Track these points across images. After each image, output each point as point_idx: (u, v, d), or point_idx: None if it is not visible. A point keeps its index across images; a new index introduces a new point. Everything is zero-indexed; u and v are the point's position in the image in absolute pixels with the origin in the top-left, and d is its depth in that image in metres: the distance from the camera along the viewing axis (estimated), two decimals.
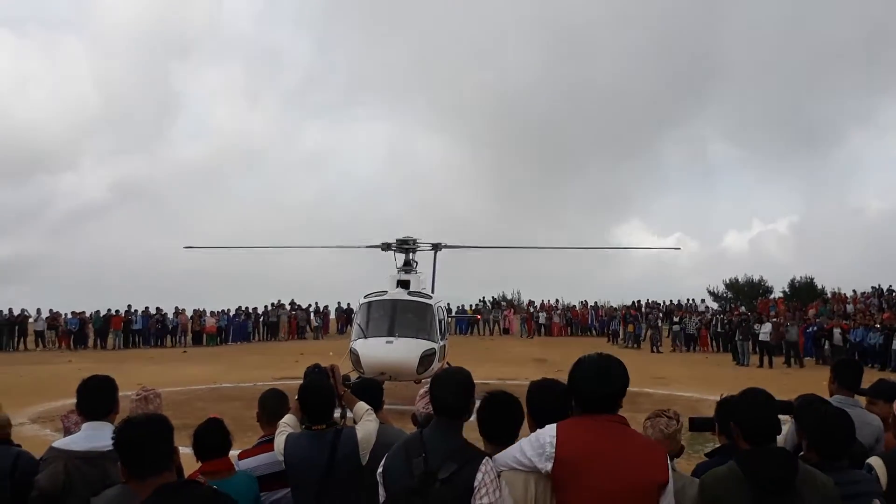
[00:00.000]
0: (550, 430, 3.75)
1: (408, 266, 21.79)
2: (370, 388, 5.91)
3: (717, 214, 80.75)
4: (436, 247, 22.64)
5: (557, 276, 51.90)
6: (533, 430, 3.99)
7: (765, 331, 31.59)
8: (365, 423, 5.24)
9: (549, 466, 3.68)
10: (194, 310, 42.50)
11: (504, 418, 4.08)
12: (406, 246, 21.87)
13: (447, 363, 21.23)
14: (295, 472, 5.05)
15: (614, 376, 3.85)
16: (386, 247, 22.03)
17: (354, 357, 18.78)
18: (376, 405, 5.59)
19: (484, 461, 3.78)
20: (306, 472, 5.00)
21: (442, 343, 20.03)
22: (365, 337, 19.04)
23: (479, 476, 3.72)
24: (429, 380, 5.52)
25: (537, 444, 3.73)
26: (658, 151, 73.57)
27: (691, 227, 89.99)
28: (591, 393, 3.82)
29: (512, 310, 49.65)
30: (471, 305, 48.19)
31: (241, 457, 5.40)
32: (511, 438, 4.03)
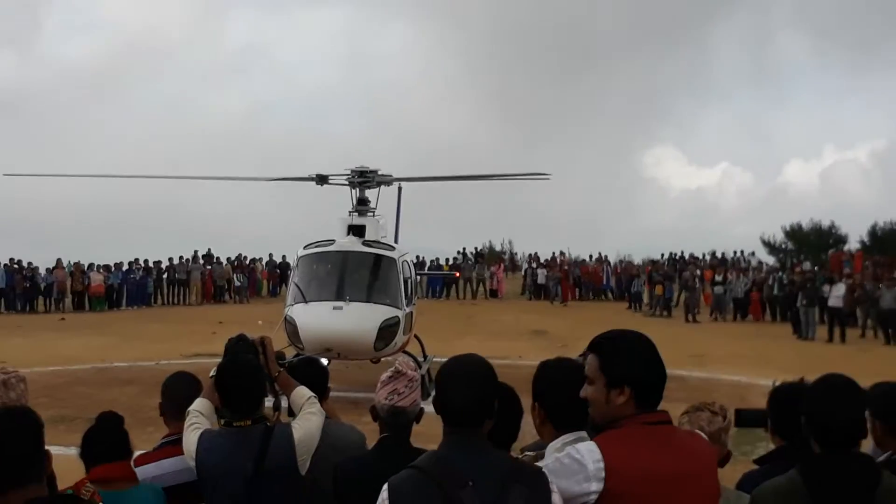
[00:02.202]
0: (591, 450, 3.71)
1: (363, 206, 21.71)
2: (312, 370, 5.89)
3: (778, 137, 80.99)
4: (389, 180, 22.47)
5: (562, 222, 52.03)
6: (545, 430, 4.01)
7: (836, 294, 31.88)
8: (305, 418, 5.22)
9: (592, 501, 3.69)
10: (75, 263, 42.30)
11: (501, 417, 4.08)
12: (361, 180, 21.75)
13: (416, 336, 21.35)
14: (210, 482, 5.03)
15: (659, 357, 3.90)
16: (321, 180, 21.87)
17: (291, 327, 18.77)
18: (320, 392, 5.59)
19: (549, 479, 3.74)
20: (225, 482, 4.99)
21: (408, 309, 20.06)
22: (305, 301, 18.99)
23: (554, 499, 3.70)
24: (394, 361, 5.52)
25: (578, 472, 3.69)
26: (702, 49, 73.34)
27: (742, 154, 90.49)
28: (644, 378, 3.85)
29: (501, 265, 49.94)
30: (447, 260, 48.32)
31: (138, 462, 5.34)
32: (509, 441, 4.05)
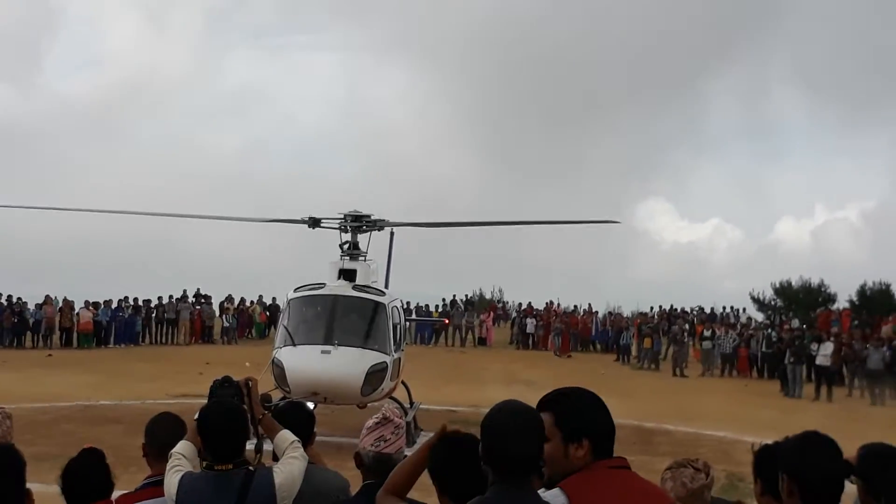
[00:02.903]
0: (556, 495, 3.76)
1: (355, 251, 21.75)
2: (298, 414, 5.88)
3: (770, 194, 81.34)
4: (382, 224, 22.48)
5: (553, 271, 52.12)
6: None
7: (824, 352, 31.94)
8: (288, 462, 5.21)
9: None
10: (64, 299, 42.19)
11: (473, 467, 4.08)
12: (354, 224, 21.81)
13: (403, 382, 21.31)
14: None
15: (606, 407, 4.00)
16: (313, 223, 21.93)
17: (278, 370, 18.73)
18: (305, 437, 5.58)
19: None
20: None
21: (396, 355, 20.04)
22: (293, 344, 18.97)
23: None
24: (382, 406, 5.52)
25: None
26: (695, 107, 73.88)
27: (733, 212, 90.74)
28: (600, 429, 3.91)
29: (491, 313, 49.91)
30: (437, 306, 48.33)
31: (119, 502, 5.36)
32: (479, 492, 4.04)
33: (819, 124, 75.69)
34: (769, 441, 4.92)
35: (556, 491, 3.76)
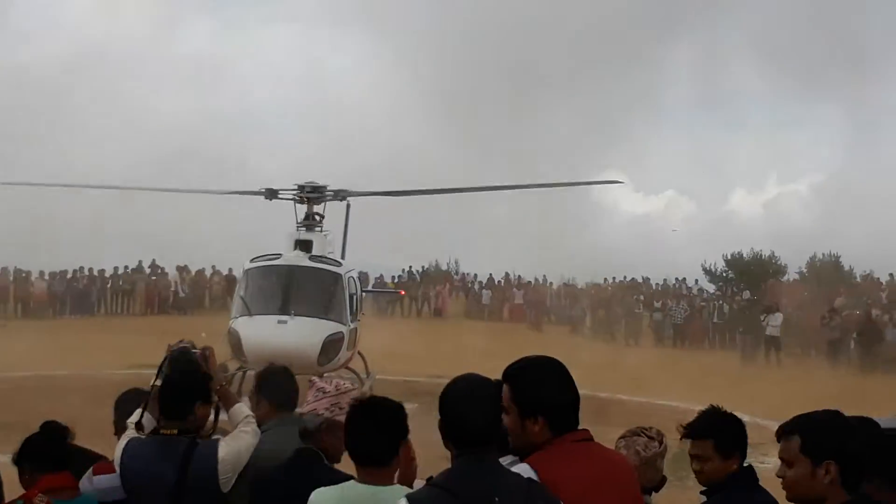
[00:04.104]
0: (527, 471, 3.80)
1: (310, 221, 21.69)
2: (276, 381, 5.85)
3: (723, 167, 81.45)
4: (341, 195, 22.40)
5: (508, 244, 52.04)
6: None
7: (774, 323, 32.30)
8: (237, 436, 5.19)
9: None
10: (15, 268, 41.79)
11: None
12: (311, 195, 21.72)
13: (359, 353, 21.32)
14: (135, 491, 5.01)
15: (570, 378, 4.00)
16: (270, 194, 21.85)
17: (234, 340, 18.71)
18: (286, 399, 5.57)
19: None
20: (149, 491, 4.97)
21: (353, 325, 20.07)
22: (249, 314, 18.97)
23: None
24: (330, 372, 5.55)
25: None
26: (651, 77, 73.77)
27: (688, 184, 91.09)
28: (556, 404, 3.92)
29: (447, 284, 49.93)
30: (393, 278, 48.23)
31: (96, 470, 5.34)
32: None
33: (774, 95, 75.74)
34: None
35: (524, 466, 3.80)
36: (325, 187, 21.80)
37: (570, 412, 3.94)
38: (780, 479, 3.87)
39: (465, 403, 3.89)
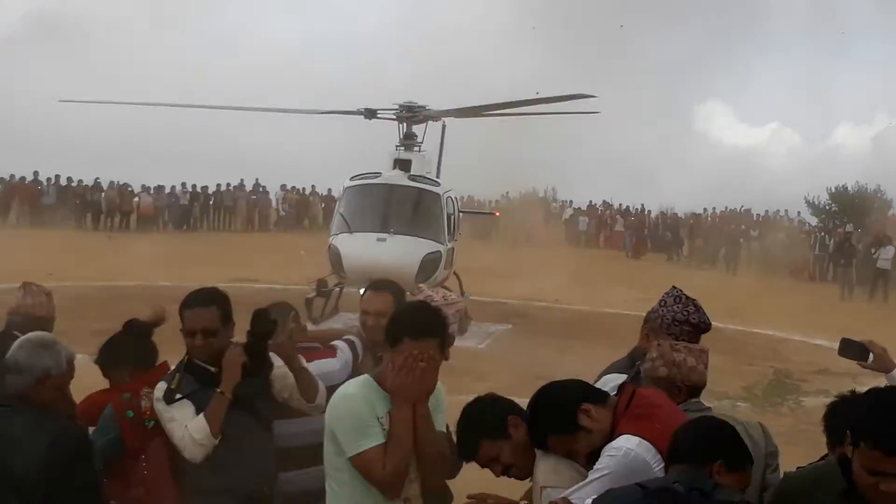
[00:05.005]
0: (637, 445, 3.85)
1: (409, 141, 21.74)
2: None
3: (831, 99, 79.37)
4: (440, 115, 22.39)
5: (607, 172, 51.62)
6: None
7: (885, 256, 31.57)
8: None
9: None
10: (119, 184, 42.88)
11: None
12: (409, 114, 21.75)
13: (455, 273, 21.42)
14: None
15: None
16: (369, 114, 21.92)
17: (334, 256, 18.92)
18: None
19: None
20: None
21: (450, 245, 20.15)
22: (350, 231, 19.13)
23: None
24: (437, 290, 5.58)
25: (637, 471, 3.74)
26: (758, 2, 71.75)
27: (794, 115, 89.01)
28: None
29: (543, 211, 49.78)
30: (488, 203, 48.22)
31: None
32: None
33: (888, 22, 73.21)
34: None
35: (629, 439, 3.84)
36: (423, 107, 21.80)
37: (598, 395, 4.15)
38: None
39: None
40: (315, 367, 5.22)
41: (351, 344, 5.47)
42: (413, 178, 20.24)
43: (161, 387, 4.94)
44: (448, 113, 22.83)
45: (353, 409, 4.22)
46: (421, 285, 5.69)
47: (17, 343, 4.55)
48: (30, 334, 4.67)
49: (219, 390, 4.84)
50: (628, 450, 3.79)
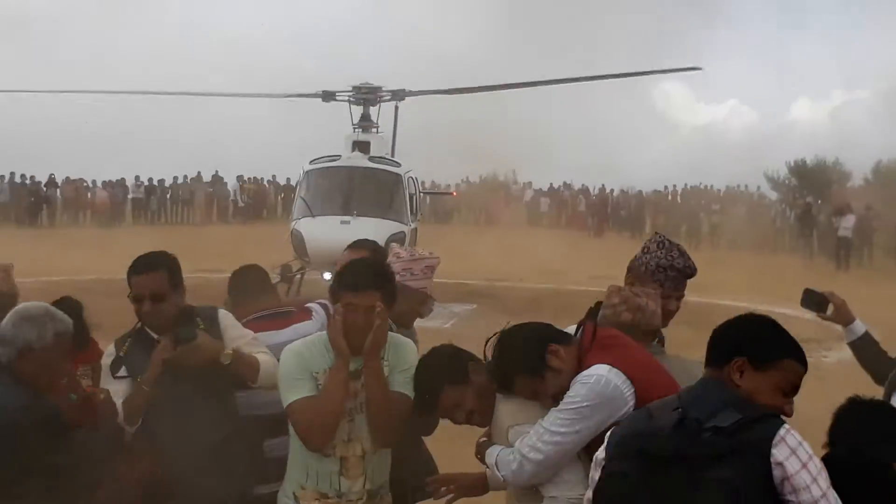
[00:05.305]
0: (608, 371, 3.89)
1: (366, 122, 21.65)
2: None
3: (789, 75, 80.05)
4: (398, 95, 22.31)
5: (567, 152, 51.69)
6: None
7: (846, 225, 31.87)
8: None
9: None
10: (72, 179, 42.41)
11: None
12: (364, 95, 21.64)
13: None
14: None
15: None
16: (327, 96, 21.79)
17: (298, 240, 18.80)
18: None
19: None
20: None
21: (413, 225, 20.11)
22: (312, 215, 19.00)
23: None
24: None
25: (611, 397, 3.83)
26: None
27: (750, 92, 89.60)
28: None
29: (502, 193, 49.86)
30: (448, 186, 48.10)
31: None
32: None
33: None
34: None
35: (600, 367, 3.90)
36: (380, 88, 21.73)
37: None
38: None
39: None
40: (293, 330, 5.21)
41: (324, 306, 5.37)
42: (373, 159, 20.17)
43: (110, 352, 4.89)
44: (405, 93, 22.72)
45: (285, 363, 4.38)
46: (393, 244, 5.62)
47: (9, 313, 4.43)
48: (22, 304, 4.58)
49: (138, 380, 4.70)
50: (599, 376, 3.84)
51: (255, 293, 5.71)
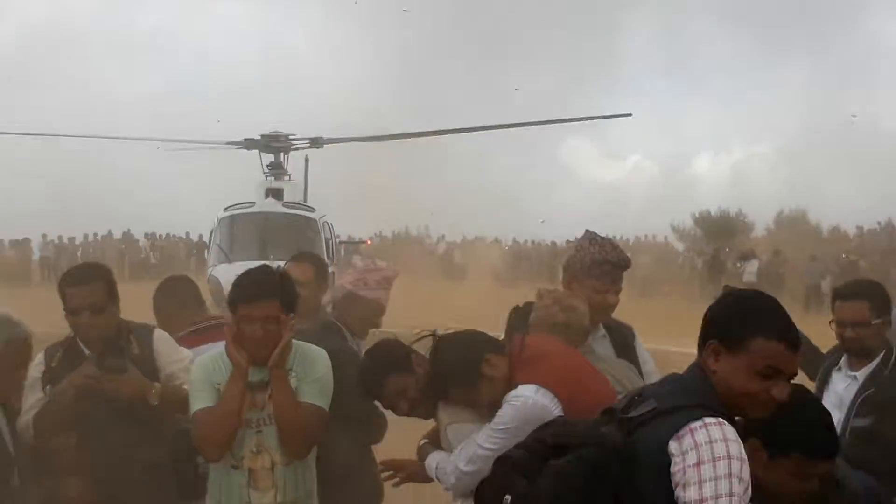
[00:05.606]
0: (535, 392, 3.95)
1: (278, 169, 21.76)
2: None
3: (689, 131, 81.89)
4: (314, 142, 22.43)
5: (477, 206, 52.14)
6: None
7: (751, 269, 32.50)
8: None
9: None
10: None
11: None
12: (276, 144, 21.77)
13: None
14: None
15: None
16: (251, 144, 21.90)
17: (215, 287, 18.63)
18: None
19: None
20: None
21: (330, 269, 20.12)
22: (229, 261, 18.83)
23: None
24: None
25: (539, 417, 3.80)
26: (612, 41, 73.66)
27: (654, 148, 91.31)
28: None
29: (416, 246, 49.99)
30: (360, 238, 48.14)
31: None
32: None
33: (736, 58, 76.17)
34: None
35: (531, 387, 3.95)
36: (288, 135, 21.93)
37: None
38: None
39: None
40: None
41: None
42: (287, 204, 20.27)
43: (39, 361, 4.76)
44: (323, 141, 22.85)
45: (193, 374, 4.45)
46: (355, 255, 5.80)
47: None
48: None
49: (50, 392, 4.63)
50: (526, 398, 3.90)
51: (187, 304, 5.84)
